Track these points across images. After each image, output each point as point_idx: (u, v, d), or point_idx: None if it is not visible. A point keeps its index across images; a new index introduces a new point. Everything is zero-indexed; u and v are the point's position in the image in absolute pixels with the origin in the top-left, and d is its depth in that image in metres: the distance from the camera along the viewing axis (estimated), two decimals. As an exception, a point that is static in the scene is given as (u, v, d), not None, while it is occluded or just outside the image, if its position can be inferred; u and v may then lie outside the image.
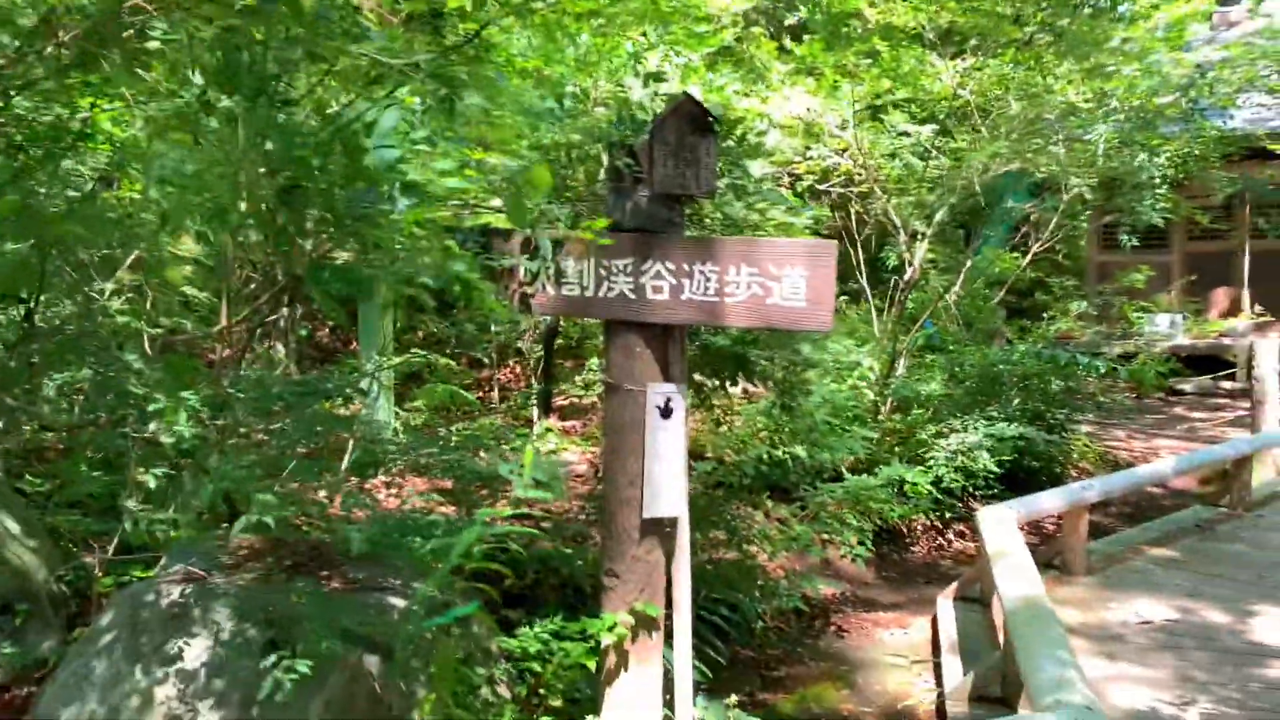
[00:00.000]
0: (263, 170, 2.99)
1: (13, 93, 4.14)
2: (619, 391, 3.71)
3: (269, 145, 2.99)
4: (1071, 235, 12.94)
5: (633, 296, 3.63)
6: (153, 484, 3.65)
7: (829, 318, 3.39)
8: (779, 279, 3.41)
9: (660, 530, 3.74)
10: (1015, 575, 4.82)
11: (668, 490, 3.63)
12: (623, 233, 3.65)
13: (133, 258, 5.65)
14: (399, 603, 3.99)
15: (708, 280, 3.52)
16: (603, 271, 3.67)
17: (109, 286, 5.65)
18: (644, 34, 7.69)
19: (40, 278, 5.20)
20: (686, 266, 3.54)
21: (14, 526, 4.43)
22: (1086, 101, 7.20)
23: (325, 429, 4.73)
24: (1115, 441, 11.20)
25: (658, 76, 4.18)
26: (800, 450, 5.82)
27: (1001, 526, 5.72)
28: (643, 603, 3.69)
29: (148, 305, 5.85)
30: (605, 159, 3.75)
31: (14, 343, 5.55)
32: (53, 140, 4.98)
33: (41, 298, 5.39)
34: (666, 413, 3.66)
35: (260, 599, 3.80)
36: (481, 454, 6.75)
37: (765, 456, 5.75)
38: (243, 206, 3.31)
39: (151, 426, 3.52)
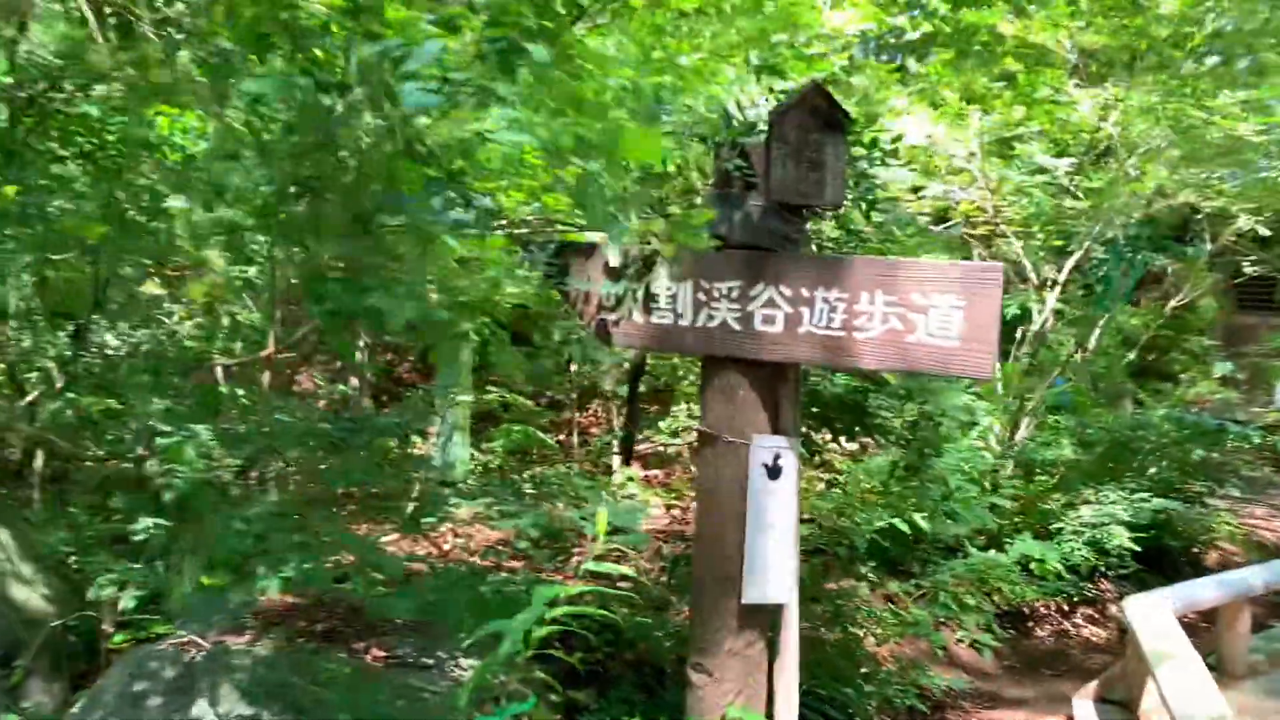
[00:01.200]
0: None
1: (83, 92, 3.70)
2: (717, 444, 3.04)
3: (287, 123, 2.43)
4: (1198, 293, 11.87)
5: (738, 328, 2.96)
6: (142, 535, 3.07)
7: (990, 361, 2.68)
8: (926, 311, 2.71)
9: (763, 618, 3.03)
10: (1188, 687, 3.97)
11: (775, 570, 2.93)
12: (728, 249, 2.99)
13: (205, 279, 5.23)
14: (443, 684, 3.36)
15: (833, 310, 2.84)
16: (702, 296, 3.01)
17: (178, 310, 5.22)
18: (746, 60, 7.08)
19: (95, 297, 4.76)
20: (806, 293, 2.86)
21: (25, 567, 3.92)
22: (1258, 135, 6.35)
23: (380, 472, 4.15)
24: (1254, 520, 10.11)
25: (773, 69, 3.54)
26: (921, 520, 5.04)
27: (1159, 621, 4.86)
28: (740, 707, 2.98)
29: (221, 330, 5.42)
30: (710, 162, 3.11)
31: (64, 362, 5.12)
32: (119, 151, 4.52)
33: (103, 320, 4.96)
34: (775, 472, 2.97)
35: (280, 672, 3.20)
36: (558, 504, 6.13)
37: (883, 525, 4.97)
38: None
39: (149, 465, 2.96)
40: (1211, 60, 7.45)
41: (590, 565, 2.41)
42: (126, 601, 3.43)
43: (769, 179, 2.86)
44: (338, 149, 2.45)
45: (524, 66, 1.92)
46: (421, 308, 2.36)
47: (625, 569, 2.34)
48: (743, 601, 2.93)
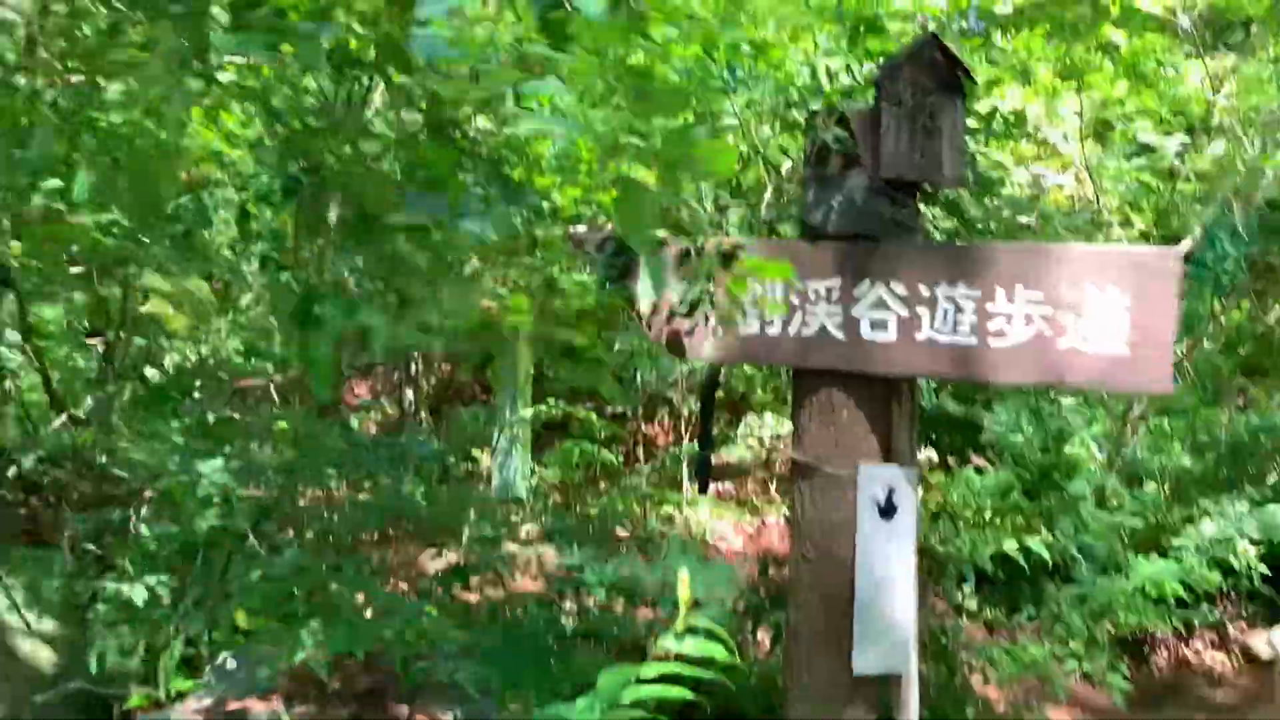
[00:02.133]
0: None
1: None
2: (816, 475, 2.51)
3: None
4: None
5: (840, 335, 2.43)
6: (139, 600, 2.63)
7: (1169, 372, 2.12)
8: (1081, 310, 2.15)
9: (877, 687, 2.50)
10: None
11: (892, 632, 2.39)
12: (824, 241, 2.47)
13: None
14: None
15: (960, 311, 2.30)
16: (795, 299, 2.49)
17: (224, 324, 4.89)
18: (815, 44, 6.54)
19: (122, 312, 4.43)
20: (925, 290, 2.33)
21: (35, 618, 3.53)
22: None
23: (419, 506, 3.70)
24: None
25: (872, 25, 3.01)
26: (1040, 548, 4.45)
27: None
28: (850, 800, 2.45)
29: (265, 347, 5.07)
30: (792, 141, 2.59)
31: (93, 382, 4.79)
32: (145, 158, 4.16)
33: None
34: (888, 510, 2.44)
35: (307, 748, 2.76)
36: (623, 527, 5.66)
37: (994, 552, 4.39)
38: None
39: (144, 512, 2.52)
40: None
41: (672, 643, 1.91)
42: (135, 661, 3.02)
43: (878, 151, 2.33)
44: (343, 136, 1.98)
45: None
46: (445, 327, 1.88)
47: (716, 649, 1.82)
48: (854, 673, 2.40)
